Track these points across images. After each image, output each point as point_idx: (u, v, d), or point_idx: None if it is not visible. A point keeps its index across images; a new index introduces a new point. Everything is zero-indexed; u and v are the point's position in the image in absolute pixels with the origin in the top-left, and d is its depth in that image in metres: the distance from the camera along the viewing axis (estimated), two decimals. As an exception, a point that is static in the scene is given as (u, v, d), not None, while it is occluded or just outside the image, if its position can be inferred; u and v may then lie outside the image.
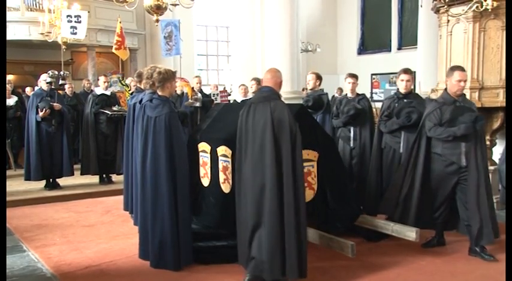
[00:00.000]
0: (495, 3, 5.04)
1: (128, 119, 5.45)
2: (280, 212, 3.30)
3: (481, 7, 5.11)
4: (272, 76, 3.58)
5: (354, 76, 5.63)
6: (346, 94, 5.64)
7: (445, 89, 4.40)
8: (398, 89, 4.94)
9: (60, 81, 7.63)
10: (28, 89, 10.38)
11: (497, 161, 5.35)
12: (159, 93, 4.13)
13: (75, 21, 9.24)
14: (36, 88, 7.65)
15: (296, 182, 3.33)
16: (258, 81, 7.06)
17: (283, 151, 3.30)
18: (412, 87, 5.33)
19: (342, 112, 5.49)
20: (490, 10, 5.12)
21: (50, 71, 7.19)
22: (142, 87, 5.07)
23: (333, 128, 5.64)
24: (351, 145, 5.43)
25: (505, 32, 5.34)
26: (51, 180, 7.11)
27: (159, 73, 4.11)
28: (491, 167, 5.19)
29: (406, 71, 4.88)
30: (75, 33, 9.27)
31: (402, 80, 4.83)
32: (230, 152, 4.69)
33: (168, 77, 4.12)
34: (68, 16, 9.20)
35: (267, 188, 3.33)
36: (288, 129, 3.31)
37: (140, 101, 4.57)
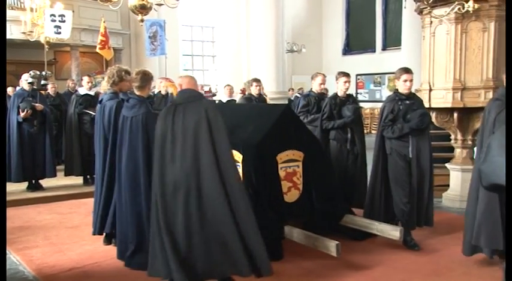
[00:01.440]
0: (476, 5, 5.13)
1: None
2: (222, 213, 3.16)
3: (463, 9, 5.19)
4: (192, 80, 3.53)
5: (349, 75, 5.38)
6: (337, 94, 5.34)
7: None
8: (397, 90, 4.56)
9: (42, 82, 7.52)
10: (10, 89, 10.22)
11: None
12: (138, 93, 4.07)
13: (59, 21, 9.11)
14: (17, 88, 7.54)
15: (235, 180, 3.24)
16: (259, 82, 6.95)
17: (222, 151, 3.19)
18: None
19: (339, 114, 5.18)
20: (471, 12, 5.19)
21: (31, 71, 7.09)
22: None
23: (323, 130, 5.29)
24: (348, 146, 5.20)
25: (486, 33, 5.43)
26: (33, 181, 7.01)
27: (143, 74, 4.08)
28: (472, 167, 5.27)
29: (408, 70, 4.53)
30: (60, 33, 9.15)
31: (405, 81, 4.44)
32: (215, 152, 4.67)
33: (150, 78, 4.11)
34: (51, 15, 9.07)
35: (205, 190, 3.17)
36: (224, 128, 3.24)
37: (100, 101, 4.56)
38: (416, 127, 4.35)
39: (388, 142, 4.50)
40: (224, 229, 3.15)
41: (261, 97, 6.98)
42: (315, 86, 5.73)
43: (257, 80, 6.87)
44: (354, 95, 6.06)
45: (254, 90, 6.78)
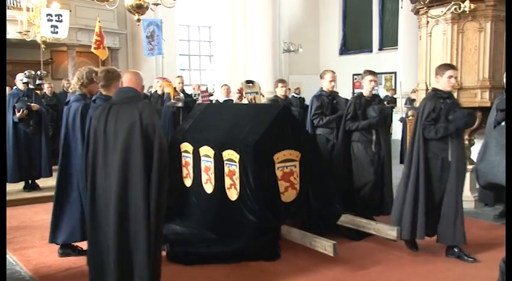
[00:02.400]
0: (472, 6, 5.15)
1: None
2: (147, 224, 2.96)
3: (459, 9, 5.22)
4: (137, 78, 3.26)
5: (375, 74, 5.05)
6: (361, 93, 5.08)
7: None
8: (435, 88, 4.21)
9: (38, 81, 7.49)
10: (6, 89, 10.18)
11: (475, 160, 5.45)
12: (104, 92, 3.95)
13: (56, 21, 9.09)
14: (13, 88, 7.51)
15: (162, 187, 3.00)
16: (285, 82, 6.44)
17: (155, 156, 2.94)
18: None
19: (363, 114, 4.93)
20: (467, 12, 5.22)
21: (26, 71, 7.06)
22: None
23: (346, 131, 5.00)
24: (373, 148, 4.94)
25: (483, 33, 5.45)
26: (29, 181, 6.99)
27: (107, 72, 3.92)
28: (469, 166, 5.29)
29: (453, 66, 4.23)
30: (56, 33, 9.13)
31: (450, 77, 4.06)
32: (213, 152, 4.69)
33: (115, 76, 3.90)
34: (48, 15, 9.05)
35: (130, 207, 2.98)
36: (157, 132, 2.98)
37: (67, 103, 4.44)
38: (464, 127, 4.07)
39: (428, 145, 4.07)
40: (137, 251, 2.98)
41: (287, 99, 6.43)
42: (325, 85, 5.42)
43: (282, 81, 6.36)
44: (352, 94, 5.90)
45: (280, 92, 6.28)
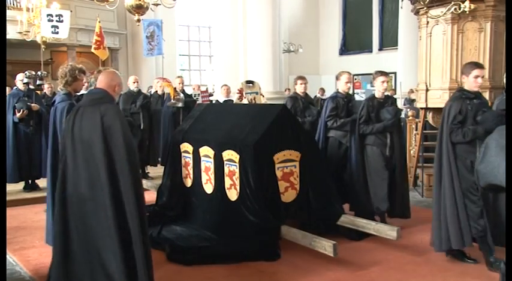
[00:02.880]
0: (472, 6, 5.15)
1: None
2: (118, 234, 2.83)
3: (459, 9, 5.22)
4: (107, 78, 3.15)
5: (387, 74, 4.91)
6: (374, 95, 4.92)
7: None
8: (461, 88, 4.01)
9: (38, 82, 7.50)
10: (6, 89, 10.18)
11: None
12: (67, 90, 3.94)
13: (57, 21, 9.11)
14: (13, 88, 7.51)
15: (135, 191, 2.88)
16: (304, 79, 6.03)
17: (116, 160, 2.84)
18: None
19: (377, 117, 4.78)
20: (467, 12, 5.22)
21: (26, 71, 7.06)
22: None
23: (360, 135, 4.84)
24: (387, 152, 4.79)
25: (482, 33, 5.45)
26: (29, 181, 6.99)
27: (72, 70, 3.90)
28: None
29: (480, 65, 4.01)
30: (57, 33, 9.15)
31: (476, 77, 3.84)
32: (213, 152, 4.69)
33: (76, 73, 3.88)
34: (48, 15, 9.06)
35: (104, 205, 2.88)
36: (120, 135, 2.86)
37: (53, 103, 4.38)
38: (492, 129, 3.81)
39: (455, 148, 3.84)
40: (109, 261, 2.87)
41: (307, 96, 6.10)
42: (341, 86, 5.29)
43: (302, 78, 5.99)
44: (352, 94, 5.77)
45: (299, 89, 5.91)
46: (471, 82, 3.88)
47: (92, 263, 2.89)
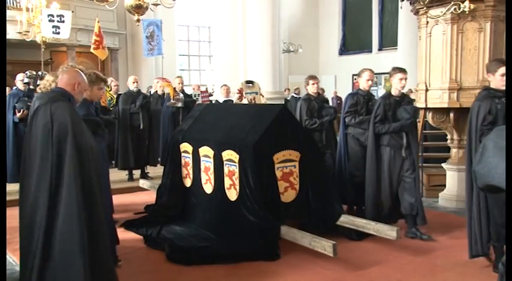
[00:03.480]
0: (472, 6, 5.15)
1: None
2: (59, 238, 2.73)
3: (459, 9, 5.21)
4: (67, 76, 3.09)
5: (405, 71, 4.66)
6: (390, 93, 4.72)
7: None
8: (487, 86, 3.83)
9: (38, 81, 7.49)
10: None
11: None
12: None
13: (58, 21, 9.11)
14: (13, 88, 7.51)
15: (87, 195, 2.77)
16: (316, 79, 5.81)
17: (66, 160, 2.75)
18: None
19: (393, 116, 4.60)
20: (467, 12, 5.22)
21: (27, 71, 7.07)
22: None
23: (375, 135, 4.66)
24: (403, 153, 4.58)
25: (482, 33, 5.45)
26: (29, 182, 6.99)
27: (55, 76, 3.70)
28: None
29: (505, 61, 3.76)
30: (58, 33, 9.15)
31: (503, 75, 3.66)
32: (212, 152, 4.69)
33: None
34: (49, 15, 9.06)
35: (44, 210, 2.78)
36: (70, 134, 2.77)
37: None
38: None
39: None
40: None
41: (320, 96, 5.90)
42: (362, 84, 5.19)
43: (313, 77, 5.76)
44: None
45: (311, 89, 5.67)
46: (498, 81, 3.69)
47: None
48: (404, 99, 4.70)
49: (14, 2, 12.13)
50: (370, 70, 5.20)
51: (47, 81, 3.92)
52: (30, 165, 2.88)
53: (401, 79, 4.58)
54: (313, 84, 5.69)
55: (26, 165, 2.94)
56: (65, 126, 2.79)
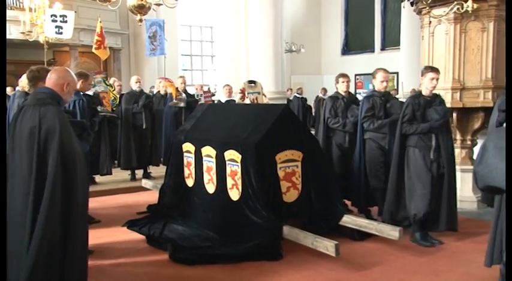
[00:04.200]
0: (475, 5, 5.13)
1: None
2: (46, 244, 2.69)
3: (462, 9, 5.20)
4: (55, 76, 2.99)
5: (438, 71, 4.47)
6: (420, 93, 4.54)
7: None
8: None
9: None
10: (8, 89, 10.21)
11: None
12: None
13: (61, 21, 9.14)
14: (17, 88, 7.52)
15: (71, 203, 2.73)
16: (346, 77, 5.54)
17: (50, 166, 2.69)
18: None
19: (422, 117, 4.41)
20: (470, 12, 5.20)
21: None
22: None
23: (402, 135, 4.47)
24: (432, 156, 4.37)
25: (485, 33, 5.43)
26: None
27: (31, 71, 3.67)
28: (471, 167, 5.28)
29: None
30: (61, 33, 9.18)
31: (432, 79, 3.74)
32: (214, 152, 4.69)
33: (41, 76, 3.56)
34: (52, 15, 9.09)
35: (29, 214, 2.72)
36: (57, 139, 2.71)
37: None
38: None
39: None
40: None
41: (350, 95, 5.62)
42: (377, 85, 4.99)
43: (344, 75, 5.48)
44: (355, 94, 5.47)
45: (341, 87, 5.43)
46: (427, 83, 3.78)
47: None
48: (436, 99, 4.48)
49: (17, 2, 12.17)
50: (384, 70, 5.02)
51: (25, 81, 3.84)
52: (14, 167, 2.83)
53: (432, 79, 4.39)
54: (343, 82, 5.44)
55: (10, 166, 2.87)
56: (52, 132, 2.74)
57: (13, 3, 12.25)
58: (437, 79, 4.43)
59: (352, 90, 5.56)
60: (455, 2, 5.22)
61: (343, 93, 5.46)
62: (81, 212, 2.84)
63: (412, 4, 5.95)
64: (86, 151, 3.96)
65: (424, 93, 4.49)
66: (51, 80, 2.97)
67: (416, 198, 4.38)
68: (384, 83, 4.99)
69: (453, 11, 5.30)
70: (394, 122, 4.66)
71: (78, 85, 5.00)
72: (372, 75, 5.10)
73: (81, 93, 5.08)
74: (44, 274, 2.68)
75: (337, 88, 5.53)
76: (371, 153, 4.99)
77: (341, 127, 5.29)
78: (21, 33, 10.28)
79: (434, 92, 4.50)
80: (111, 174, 7.11)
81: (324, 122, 5.45)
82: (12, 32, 11.74)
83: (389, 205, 4.57)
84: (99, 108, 7.16)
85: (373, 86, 5.12)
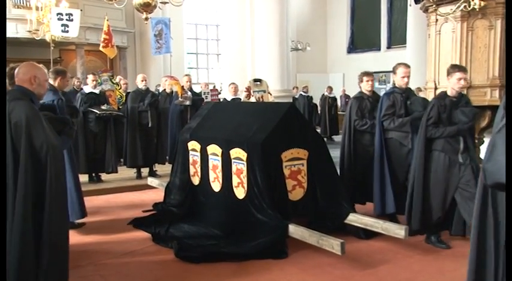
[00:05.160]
0: (482, 3, 5.10)
1: None
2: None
3: (469, 7, 5.17)
4: (21, 72, 2.98)
5: (465, 70, 4.25)
6: (445, 93, 4.29)
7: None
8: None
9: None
10: (15, 87, 10.26)
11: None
12: None
13: (67, 19, 9.17)
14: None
15: (46, 200, 2.71)
16: (371, 75, 5.30)
17: (21, 161, 2.69)
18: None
19: (448, 119, 4.18)
20: (477, 10, 5.17)
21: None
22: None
23: (428, 139, 4.22)
24: (461, 159, 4.13)
25: (493, 31, 5.40)
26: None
27: (10, 69, 3.60)
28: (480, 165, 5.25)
29: None
30: (67, 31, 9.21)
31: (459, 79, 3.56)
32: (220, 150, 4.70)
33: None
34: (58, 14, 9.12)
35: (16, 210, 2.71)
36: (23, 133, 2.70)
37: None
38: None
39: None
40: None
41: (374, 94, 5.34)
42: (398, 81, 4.75)
43: (368, 74, 5.24)
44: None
45: (365, 86, 5.20)
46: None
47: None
48: (462, 100, 4.25)
49: (24, 1, 12.22)
50: (405, 65, 4.77)
51: None
52: None
53: (460, 79, 4.14)
54: (368, 81, 5.19)
55: None
56: (20, 126, 2.73)
57: (20, 2, 12.31)
58: (465, 79, 4.20)
59: (357, 88, 5.48)
60: (462, 0, 5.19)
61: (368, 93, 5.24)
62: (55, 204, 2.81)
63: (416, 2, 5.91)
64: (68, 145, 3.96)
65: (449, 93, 4.24)
66: (18, 77, 2.97)
67: (435, 202, 4.24)
68: (405, 79, 4.75)
69: (460, 8, 5.27)
70: (416, 120, 4.47)
71: (56, 83, 4.99)
72: (392, 70, 4.89)
73: (60, 92, 5.03)
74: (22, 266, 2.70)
75: (360, 87, 5.29)
76: (396, 154, 4.76)
77: (369, 129, 5.03)
78: (28, 31, 10.32)
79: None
80: (116, 172, 7.15)
81: (349, 124, 5.15)
82: (19, 31, 11.80)
83: (418, 213, 4.26)
84: (104, 106, 7.21)
85: (393, 82, 4.90)
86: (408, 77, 4.78)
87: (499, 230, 1.96)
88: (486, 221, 2.00)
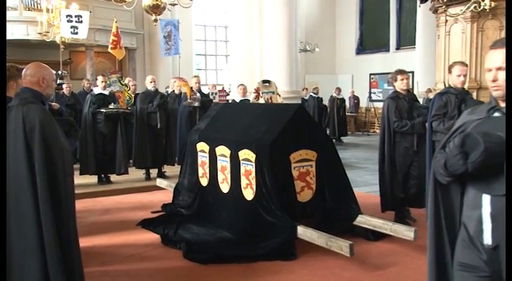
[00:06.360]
0: (493, 4, 5.06)
1: None
2: (40, 246, 2.70)
3: (479, 7, 5.13)
4: (28, 75, 2.94)
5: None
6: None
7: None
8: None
9: (58, 81, 7.62)
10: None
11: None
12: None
13: (76, 21, 9.24)
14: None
15: (51, 197, 2.73)
16: (405, 73, 5.01)
17: (36, 163, 2.70)
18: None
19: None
20: (487, 10, 5.14)
21: (58, 71, 7.17)
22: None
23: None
24: None
25: (503, 31, 5.36)
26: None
27: (11, 67, 3.54)
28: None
29: None
30: (76, 33, 9.29)
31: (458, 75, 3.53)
32: (229, 152, 4.70)
33: (11, 75, 3.44)
34: (67, 16, 9.20)
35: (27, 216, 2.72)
36: (39, 138, 2.70)
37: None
38: None
39: None
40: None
41: (409, 93, 5.09)
42: (453, 80, 4.38)
43: (402, 72, 4.96)
44: (367, 94, 5.28)
45: (399, 85, 4.92)
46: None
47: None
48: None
49: (35, 4, 12.35)
50: (462, 63, 4.43)
51: None
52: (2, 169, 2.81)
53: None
54: (402, 80, 4.90)
55: None
56: (34, 130, 2.73)
57: (31, 5, 12.43)
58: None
59: (366, 89, 5.46)
60: (472, 1, 5.16)
61: (403, 92, 4.96)
62: (68, 205, 2.88)
63: (422, 1, 5.88)
64: (75, 147, 3.97)
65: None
66: (26, 79, 2.94)
67: None
68: (461, 78, 4.33)
69: (470, 9, 5.24)
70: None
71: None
72: (448, 70, 4.60)
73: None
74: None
75: (395, 87, 5.02)
76: None
77: (410, 130, 4.79)
78: (39, 33, 10.43)
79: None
80: (127, 173, 7.18)
81: (388, 126, 4.91)
82: (30, 33, 11.92)
83: None
84: (112, 105, 7.26)
85: (448, 82, 4.60)
86: (465, 75, 4.41)
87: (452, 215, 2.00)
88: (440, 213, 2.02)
